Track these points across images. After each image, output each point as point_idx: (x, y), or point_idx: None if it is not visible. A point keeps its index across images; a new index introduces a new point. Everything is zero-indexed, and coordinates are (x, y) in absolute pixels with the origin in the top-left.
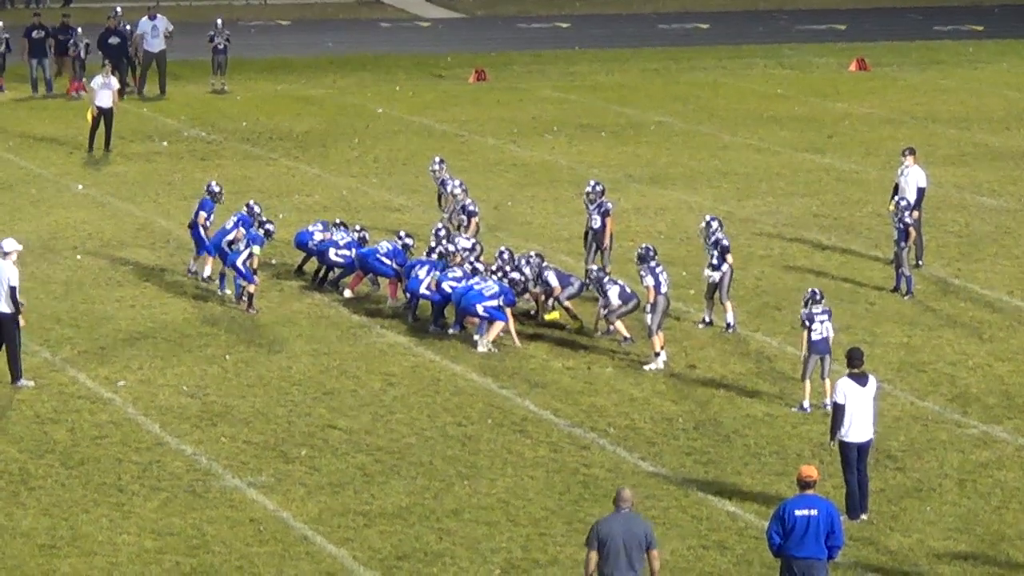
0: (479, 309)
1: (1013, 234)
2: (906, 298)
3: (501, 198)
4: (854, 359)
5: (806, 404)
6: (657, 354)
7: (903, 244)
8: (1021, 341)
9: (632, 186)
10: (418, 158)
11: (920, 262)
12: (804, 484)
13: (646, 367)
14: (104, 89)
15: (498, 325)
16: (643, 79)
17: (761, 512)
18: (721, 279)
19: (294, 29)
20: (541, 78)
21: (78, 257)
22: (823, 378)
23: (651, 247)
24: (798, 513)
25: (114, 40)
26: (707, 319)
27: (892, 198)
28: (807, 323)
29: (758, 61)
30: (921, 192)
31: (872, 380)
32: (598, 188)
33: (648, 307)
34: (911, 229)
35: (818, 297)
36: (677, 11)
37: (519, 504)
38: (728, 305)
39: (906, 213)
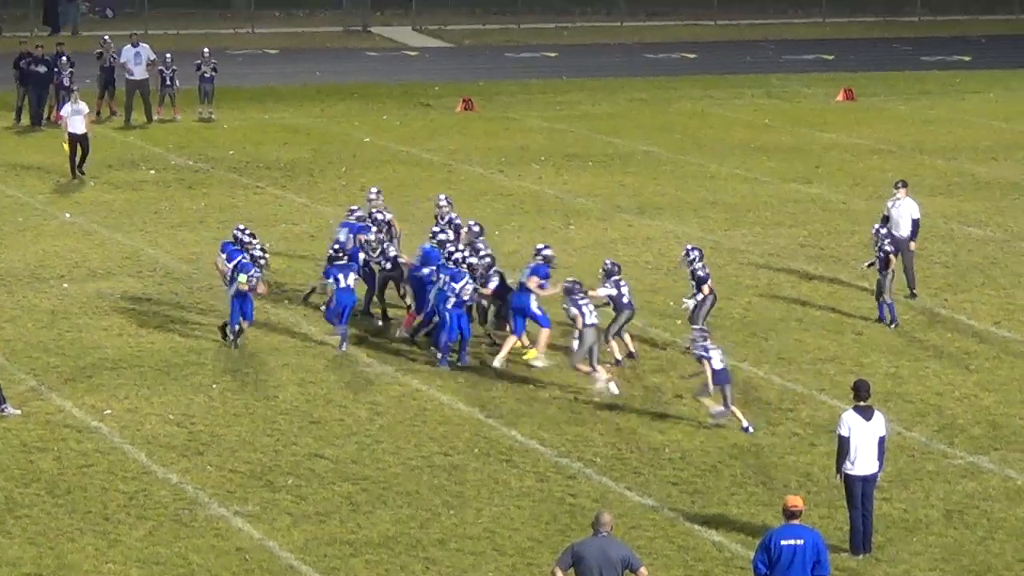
0: (534, 307)
1: (1000, 264)
2: (892, 327)
3: (488, 227)
4: (860, 392)
5: (747, 425)
6: (594, 377)
7: (883, 272)
8: (1008, 372)
9: (619, 216)
10: (405, 188)
11: (914, 292)
12: (790, 514)
13: (604, 388)
14: (75, 116)
15: (546, 332)
16: (630, 109)
17: (747, 542)
18: (696, 307)
19: (281, 58)
20: (528, 107)
21: (64, 285)
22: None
23: (578, 281)
24: (784, 543)
25: (40, 68)
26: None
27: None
28: (705, 355)
29: (745, 91)
30: (916, 223)
31: (879, 415)
32: (475, 228)
33: (575, 336)
34: (891, 257)
35: (707, 333)
36: (664, 41)
37: (505, 534)
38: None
39: (885, 241)
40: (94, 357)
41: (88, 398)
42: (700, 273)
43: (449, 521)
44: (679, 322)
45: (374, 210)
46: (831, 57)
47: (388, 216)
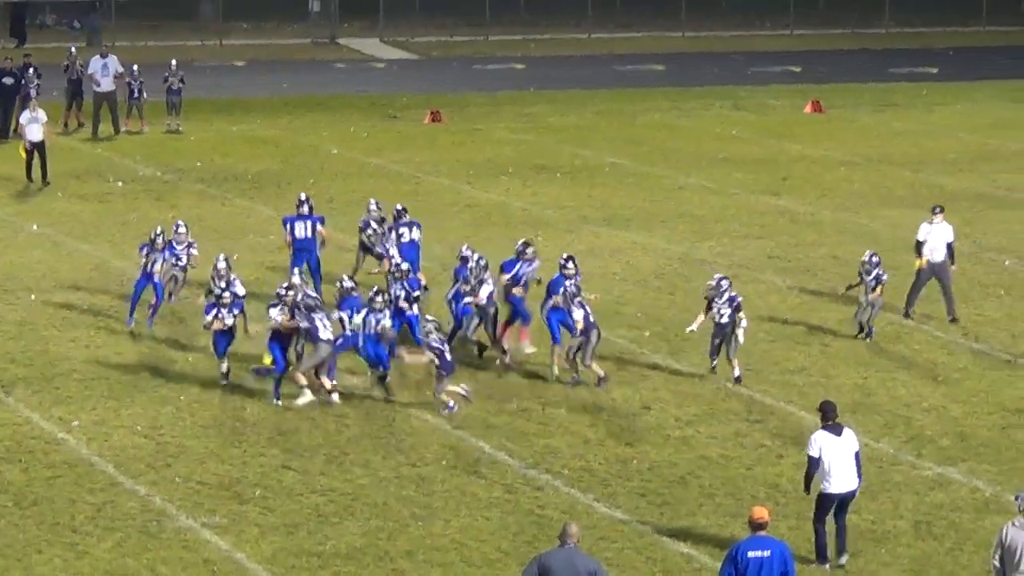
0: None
1: (968, 276)
2: (867, 340)
3: (456, 239)
4: (828, 414)
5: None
6: (303, 387)
7: (869, 295)
8: (976, 383)
9: (586, 227)
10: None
11: (955, 317)
12: (756, 525)
13: (298, 402)
14: (32, 123)
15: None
16: (598, 120)
17: (715, 554)
18: (735, 334)
19: (249, 70)
20: (496, 119)
21: (32, 297)
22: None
23: (317, 298)
24: (751, 555)
25: (8, 80)
26: (737, 373)
27: (918, 256)
28: (439, 347)
29: (713, 103)
30: (950, 247)
31: (849, 432)
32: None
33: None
34: (881, 286)
35: (439, 324)
36: (632, 53)
37: (473, 545)
38: (735, 362)
39: (877, 267)
40: (62, 368)
41: (55, 409)
42: (739, 299)
43: (417, 532)
44: (647, 333)
45: (179, 244)
46: (798, 69)
47: (194, 251)
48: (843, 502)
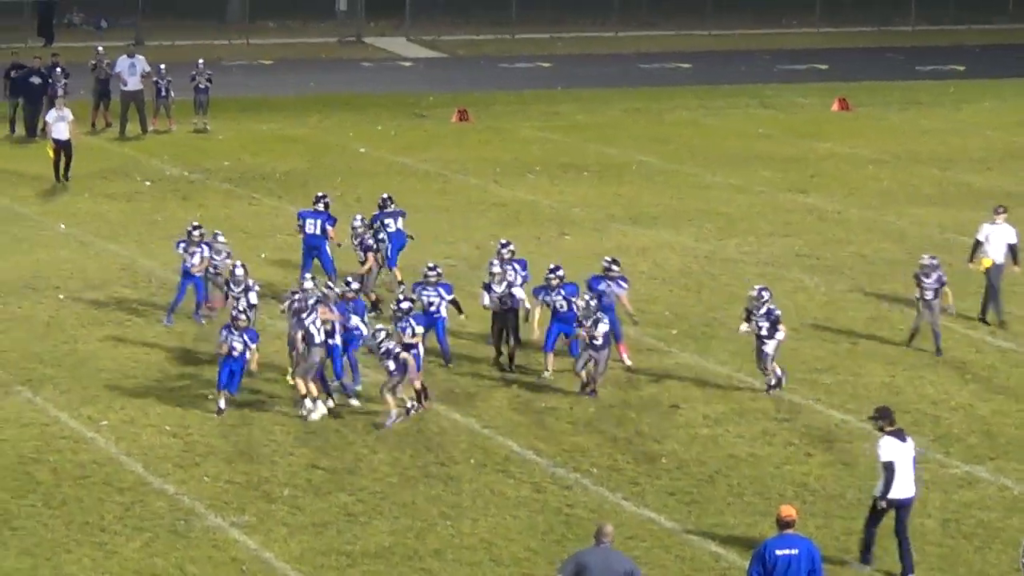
0: None
1: None
2: (937, 356)
3: (483, 238)
4: (890, 418)
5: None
6: (304, 399)
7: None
8: (1003, 381)
9: (614, 226)
10: (400, 198)
11: (985, 319)
12: (784, 524)
13: (313, 417)
14: (59, 122)
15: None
16: (625, 119)
17: (744, 553)
18: (776, 347)
19: (276, 69)
20: (523, 118)
21: (60, 296)
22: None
23: (306, 298)
24: (779, 553)
25: (35, 80)
26: (772, 382)
27: (972, 256)
28: (385, 358)
29: (740, 101)
30: (1012, 248)
31: (910, 438)
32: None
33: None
34: (945, 288)
35: (388, 331)
36: (659, 51)
37: (502, 544)
38: (775, 367)
39: (937, 270)
40: (90, 368)
41: (84, 409)
42: (777, 312)
43: (446, 532)
44: (675, 332)
45: (217, 254)
46: (825, 67)
47: (229, 261)
48: (899, 510)
